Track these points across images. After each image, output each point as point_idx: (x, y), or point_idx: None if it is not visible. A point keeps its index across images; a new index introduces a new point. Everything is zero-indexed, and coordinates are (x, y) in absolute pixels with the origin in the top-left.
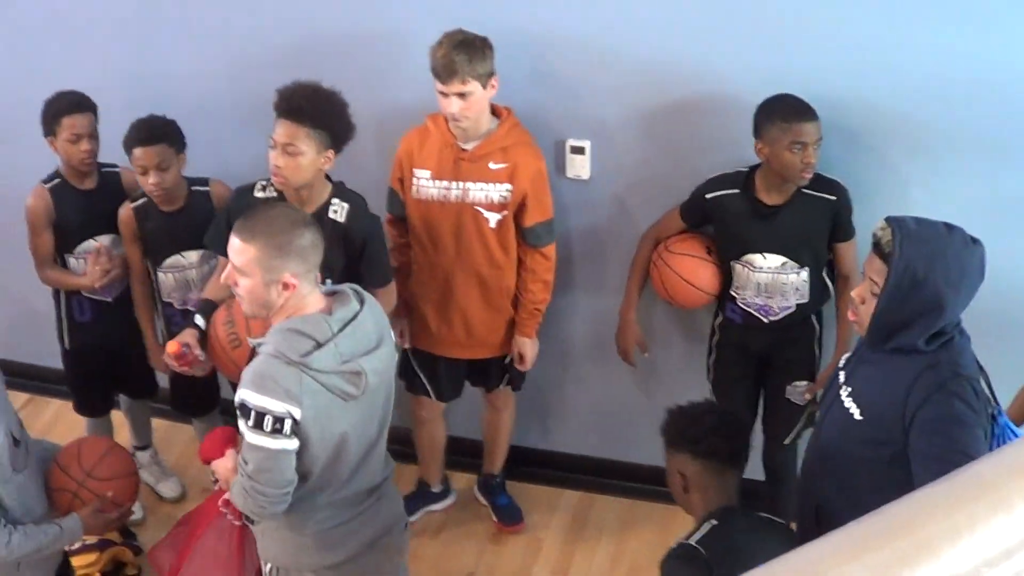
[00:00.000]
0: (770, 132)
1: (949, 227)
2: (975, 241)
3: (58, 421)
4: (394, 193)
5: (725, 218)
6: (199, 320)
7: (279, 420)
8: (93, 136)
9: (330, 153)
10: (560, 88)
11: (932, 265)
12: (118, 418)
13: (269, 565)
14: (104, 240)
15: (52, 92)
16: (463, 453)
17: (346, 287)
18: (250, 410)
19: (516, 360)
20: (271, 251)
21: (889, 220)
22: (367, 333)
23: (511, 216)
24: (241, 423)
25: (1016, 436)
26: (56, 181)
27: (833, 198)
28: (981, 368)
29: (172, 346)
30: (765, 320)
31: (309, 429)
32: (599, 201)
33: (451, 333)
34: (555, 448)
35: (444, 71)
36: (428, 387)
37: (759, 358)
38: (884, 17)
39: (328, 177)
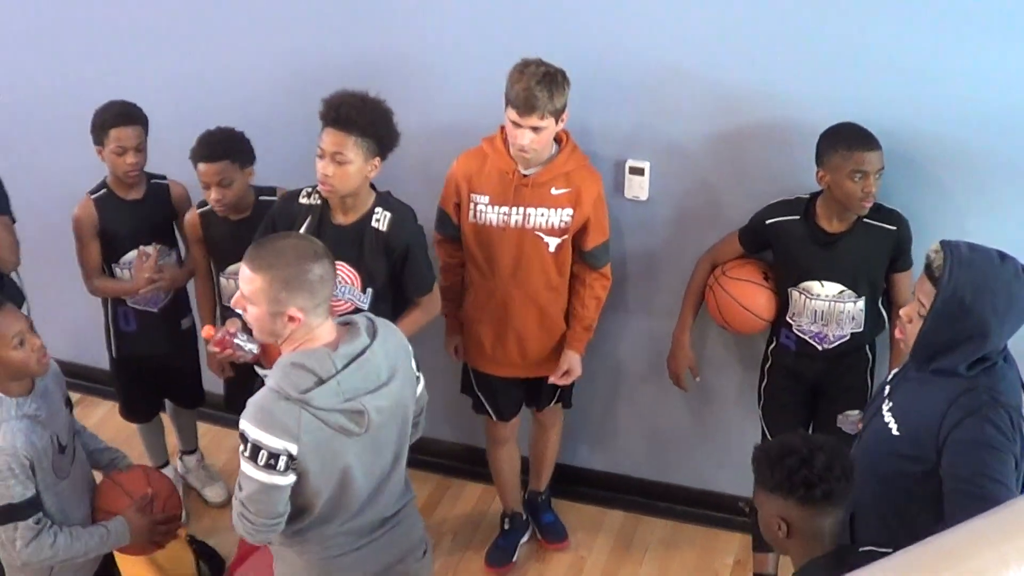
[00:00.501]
0: (832, 160)
1: (1003, 256)
2: None
3: (107, 422)
4: (446, 215)
5: (785, 244)
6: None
7: (274, 456)
8: (140, 149)
9: (376, 161)
10: (622, 109)
11: (980, 293)
12: (165, 420)
13: None
14: (149, 250)
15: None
16: None
17: (360, 318)
18: (247, 441)
19: (557, 373)
20: (277, 284)
21: (943, 244)
22: (375, 369)
23: (570, 239)
24: (240, 450)
25: None
26: (102, 192)
27: (893, 228)
28: None
29: (207, 330)
30: (819, 348)
31: (308, 463)
32: (656, 223)
33: (506, 354)
34: (602, 468)
35: (523, 105)
36: (488, 407)
37: (811, 386)
38: (949, 49)
39: (373, 186)
